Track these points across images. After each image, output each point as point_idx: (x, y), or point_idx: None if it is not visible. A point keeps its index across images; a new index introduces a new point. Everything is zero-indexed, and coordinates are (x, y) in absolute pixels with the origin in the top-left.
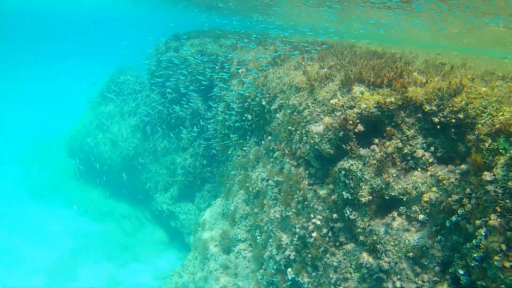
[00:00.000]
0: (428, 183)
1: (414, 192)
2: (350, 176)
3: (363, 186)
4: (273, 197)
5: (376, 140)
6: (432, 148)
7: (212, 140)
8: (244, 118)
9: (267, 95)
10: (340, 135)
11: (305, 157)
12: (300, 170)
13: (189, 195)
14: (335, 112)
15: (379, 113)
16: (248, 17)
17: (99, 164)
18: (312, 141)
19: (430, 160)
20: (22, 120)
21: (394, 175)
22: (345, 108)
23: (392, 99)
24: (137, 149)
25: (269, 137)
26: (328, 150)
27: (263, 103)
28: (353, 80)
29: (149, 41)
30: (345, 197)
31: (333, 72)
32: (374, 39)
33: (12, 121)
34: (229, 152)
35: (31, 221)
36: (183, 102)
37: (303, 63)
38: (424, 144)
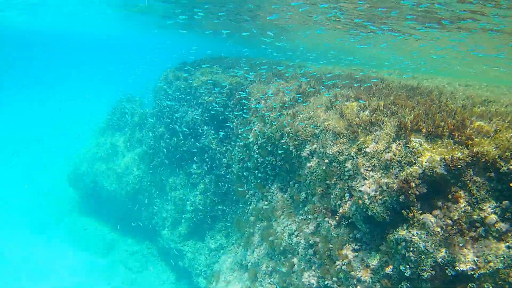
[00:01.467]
0: (504, 256)
1: (486, 267)
2: (411, 248)
3: (425, 260)
4: (306, 259)
5: (439, 203)
6: (508, 214)
7: (225, 178)
8: (266, 161)
9: (295, 138)
10: (401, 199)
11: (349, 218)
12: (341, 231)
13: (199, 233)
14: (390, 169)
15: (445, 172)
16: (259, 44)
17: (103, 196)
18: (360, 202)
19: (505, 229)
20: (24, 145)
21: (461, 246)
22: (403, 164)
23: (459, 155)
24: (143, 183)
25: (296, 185)
26: (382, 214)
27: (290, 147)
28: (410, 130)
29: (157, 69)
30: (403, 271)
31: (378, 116)
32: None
33: (13, 146)
34: (247, 197)
35: (31, 255)
36: (192, 135)
37: (338, 102)
38: (498, 209)
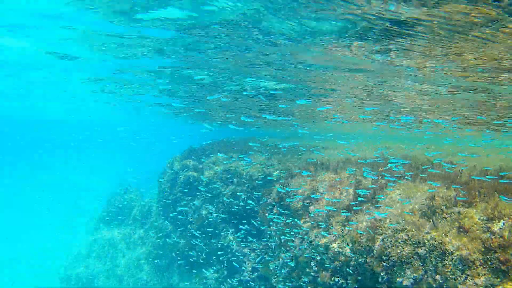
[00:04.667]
0: None
1: None
2: None
3: None
4: None
5: None
6: None
7: (251, 284)
8: (333, 283)
9: (383, 258)
10: None
11: None
12: None
13: None
14: None
15: None
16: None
17: None
18: None
19: None
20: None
21: None
22: None
23: None
24: (148, 287)
25: None
26: None
27: (376, 267)
28: None
29: (159, 156)
30: None
31: None
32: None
33: None
34: None
35: None
36: (207, 234)
37: (441, 207)
38: None
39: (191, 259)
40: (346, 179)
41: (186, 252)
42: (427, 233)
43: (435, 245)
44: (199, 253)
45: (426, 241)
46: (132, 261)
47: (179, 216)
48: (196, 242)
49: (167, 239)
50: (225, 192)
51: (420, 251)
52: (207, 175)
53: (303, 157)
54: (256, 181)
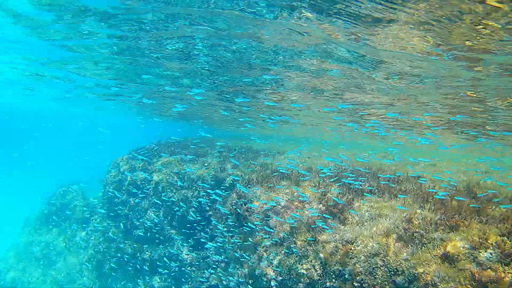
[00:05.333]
0: None
1: None
2: None
3: None
4: None
5: None
6: None
7: None
8: None
9: (356, 284)
10: None
11: None
12: None
13: None
14: None
15: None
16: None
17: None
18: None
19: None
20: None
21: None
22: None
23: None
24: None
25: None
26: None
27: None
28: None
29: (106, 152)
30: None
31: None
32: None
33: None
34: None
35: None
36: (154, 240)
37: (420, 232)
38: None
39: (135, 266)
40: (308, 191)
41: (131, 258)
42: (406, 260)
43: (415, 274)
44: (145, 260)
45: (405, 269)
46: (74, 266)
47: (124, 220)
48: (142, 248)
49: (112, 243)
50: (175, 196)
51: (397, 279)
52: (156, 178)
53: (258, 162)
54: (209, 187)
